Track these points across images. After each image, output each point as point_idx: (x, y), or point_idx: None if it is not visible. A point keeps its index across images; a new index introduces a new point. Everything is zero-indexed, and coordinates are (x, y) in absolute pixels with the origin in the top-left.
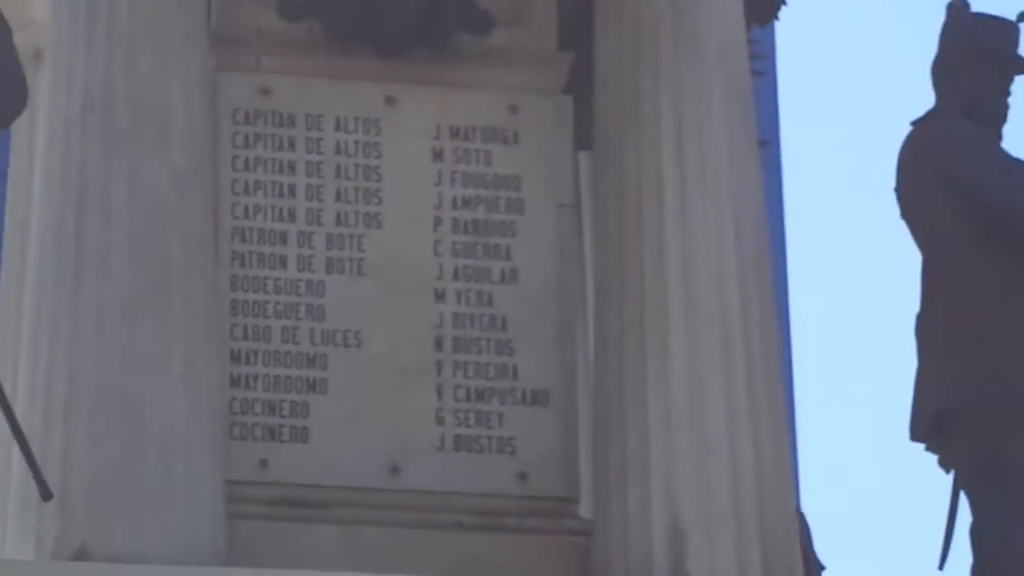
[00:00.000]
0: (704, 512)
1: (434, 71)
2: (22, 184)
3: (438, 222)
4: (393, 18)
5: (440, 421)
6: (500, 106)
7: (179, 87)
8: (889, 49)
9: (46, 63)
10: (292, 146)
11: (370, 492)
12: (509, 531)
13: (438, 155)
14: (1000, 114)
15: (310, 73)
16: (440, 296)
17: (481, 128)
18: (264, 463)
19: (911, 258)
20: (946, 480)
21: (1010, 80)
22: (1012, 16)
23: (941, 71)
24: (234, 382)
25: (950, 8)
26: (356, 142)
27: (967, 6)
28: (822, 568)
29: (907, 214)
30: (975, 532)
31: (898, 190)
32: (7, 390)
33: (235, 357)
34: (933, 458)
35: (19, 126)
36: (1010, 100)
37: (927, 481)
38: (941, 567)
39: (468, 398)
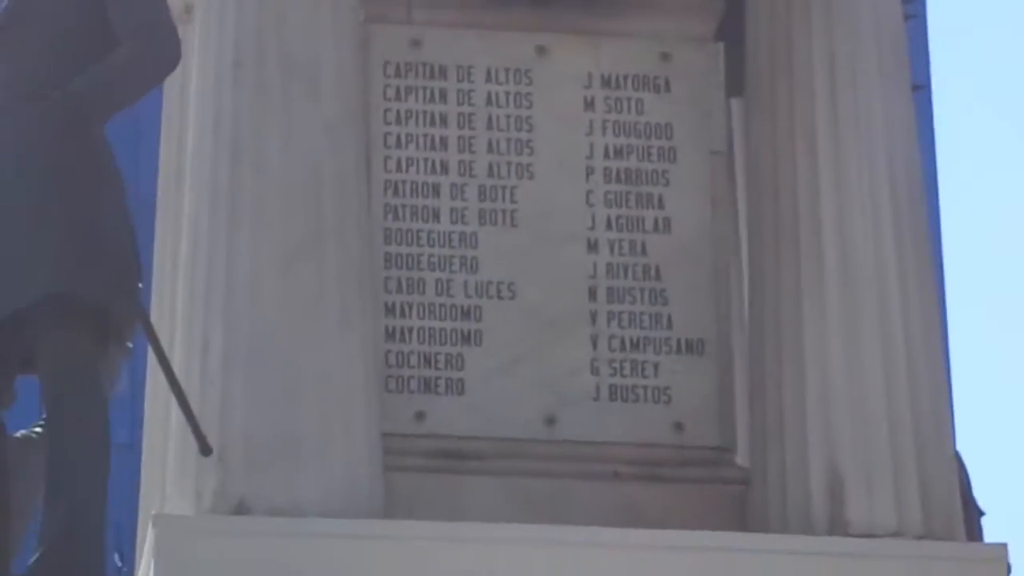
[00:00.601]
0: (862, 460)
1: (585, 20)
2: (175, 137)
3: (590, 172)
4: None
5: (595, 371)
6: (652, 54)
7: (330, 40)
8: None
9: (196, 18)
10: (443, 98)
11: (526, 443)
12: (666, 481)
13: (589, 104)
14: None
15: (461, 24)
16: (593, 246)
17: (632, 76)
18: (420, 415)
19: None
20: None
21: None
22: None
23: None
24: (389, 335)
25: None
26: (507, 93)
27: None
28: (981, 513)
29: None
30: None
31: None
32: (164, 345)
33: (390, 310)
34: None
35: (171, 81)
36: None
37: None
38: None
39: (623, 348)
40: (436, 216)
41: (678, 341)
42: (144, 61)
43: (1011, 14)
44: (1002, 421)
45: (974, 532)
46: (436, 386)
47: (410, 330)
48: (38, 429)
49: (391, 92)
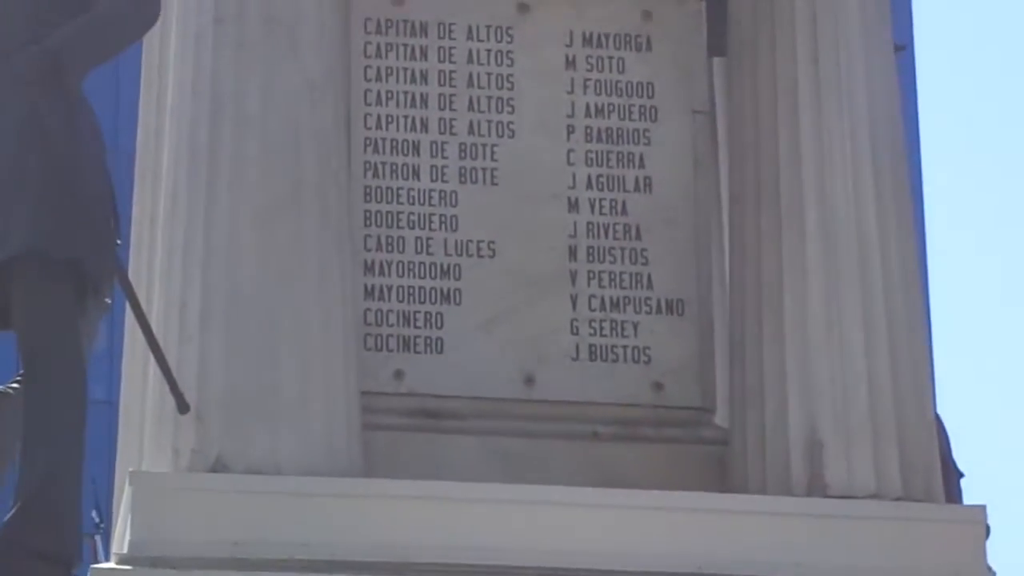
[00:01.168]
0: (842, 421)
1: None
2: (155, 95)
3: (571, 130)
4: None
5: (575, 331)
6: (634, 13)
7: None
8: None
9: None
10: (424, 55)
11: (505, 402)
12: (645, 441)
13: (571, 63)
14: None
15: None
16: (574, 205)
17: (614, 35)
18: (399, 374)
19: None
20: None
21: None
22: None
23: None
24: (368, 293)
25: None
26: (488, 51)
27: None
28: (961, 475)
29: None
30: None
31: None
32: (142, 302)
33: (369, 268)
34: None
35: (150, 37)
36: None
37: None
38: None
39: (603, 307)
40: (416, 174)
41: (658, 301)
42: (124, 16)
43: None
44: (982, 383)
45: (953, 494)
46: (415, 345)
47: (389, 288)
48: (15, 385)
49: (372, 49)
